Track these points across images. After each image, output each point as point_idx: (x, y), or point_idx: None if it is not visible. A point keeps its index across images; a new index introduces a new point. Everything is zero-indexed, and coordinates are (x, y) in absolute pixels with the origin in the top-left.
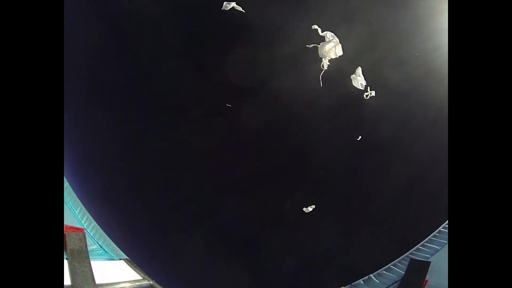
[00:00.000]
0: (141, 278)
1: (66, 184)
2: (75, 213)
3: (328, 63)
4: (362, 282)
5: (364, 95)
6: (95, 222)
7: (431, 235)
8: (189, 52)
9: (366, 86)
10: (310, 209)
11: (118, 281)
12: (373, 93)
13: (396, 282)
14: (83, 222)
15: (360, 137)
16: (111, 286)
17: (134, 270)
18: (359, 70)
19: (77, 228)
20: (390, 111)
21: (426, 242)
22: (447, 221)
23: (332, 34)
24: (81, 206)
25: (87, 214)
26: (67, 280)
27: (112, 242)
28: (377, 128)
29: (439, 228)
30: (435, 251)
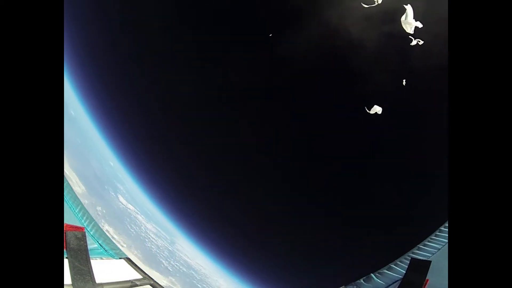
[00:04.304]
0: (142, 277)
1: (66, 183)
2: (75, 212)
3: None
4: (362, 281)
5: (412, 43)
6: (95, 221)
7: (432, 234)
8: None
9: (416, 28)
10: (377, 109)
11: (118, 280)
12: (421, 42)
13: (397, 281)
14: (83, 221)
15: (404, 81)
16: (111, 285)
17: (135, 269)
18: (409, 10)
19: (77, 227)
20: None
21: (427, 241)
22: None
23: None
24: (81, 205)
25: (87, 213)
26: (67, 279)
27: (112, 241)
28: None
29: (440, 227)
30: (436, 250)
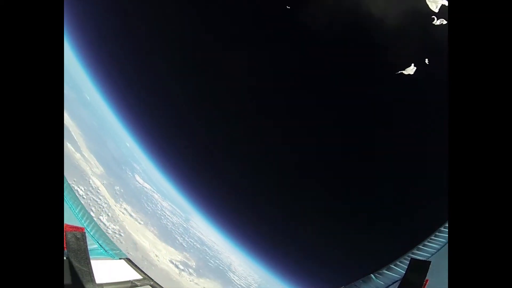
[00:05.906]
0: (142, 278)
1: (66, 183)
2: (75, 212)
3: None
4: (362, 282)
5: (434, 22)
6: (95, 222)
7: (432, 234)
8: None
9: (442, 6)
10: (411, 69)
11: (118, 280)
12: (445, 22)
13: (396, 281)
14: (83, 221)
15: (427, 60)
16: (111, 286)
17: (135, 269)
18: None
19: (77, 228)
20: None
21: (427, 241)
22: (447, 221)
23: None
24: (81, 205)
25: (87, 213)
26: (67, 280)
27: (112, 242)
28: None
29: (440, 228)
30: (436, 251)
